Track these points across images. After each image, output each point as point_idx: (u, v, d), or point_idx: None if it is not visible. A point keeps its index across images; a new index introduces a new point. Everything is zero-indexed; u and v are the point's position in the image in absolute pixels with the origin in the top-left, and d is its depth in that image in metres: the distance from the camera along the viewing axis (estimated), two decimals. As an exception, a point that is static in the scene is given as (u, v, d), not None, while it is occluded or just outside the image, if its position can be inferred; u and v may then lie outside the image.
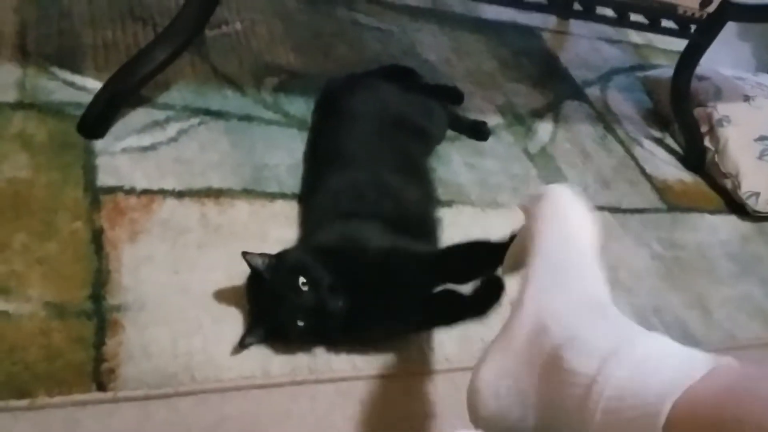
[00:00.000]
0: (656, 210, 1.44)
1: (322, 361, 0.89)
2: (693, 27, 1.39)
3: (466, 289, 0.93)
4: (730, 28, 1.55)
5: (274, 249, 0.90)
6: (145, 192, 0.99)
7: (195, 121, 1.13)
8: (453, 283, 0.93)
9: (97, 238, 0.90)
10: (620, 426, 0.47)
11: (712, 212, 1.50)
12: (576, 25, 1.92)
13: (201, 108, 1.16)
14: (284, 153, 1.15)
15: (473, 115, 1.41)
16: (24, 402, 0.72)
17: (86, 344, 0.79)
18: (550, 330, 0.56)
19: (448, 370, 0.93)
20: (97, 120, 1.04)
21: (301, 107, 1.25)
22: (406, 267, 0.91)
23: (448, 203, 1.19)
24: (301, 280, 0.84)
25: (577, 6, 1.31)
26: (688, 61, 1.50)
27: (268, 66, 1.32)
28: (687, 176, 1.58)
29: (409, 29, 1.62)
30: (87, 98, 1.04)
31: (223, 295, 0.90)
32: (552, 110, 1.58)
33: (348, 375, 0.88)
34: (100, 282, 0.86)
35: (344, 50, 1.46)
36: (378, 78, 1.30)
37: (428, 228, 1.05)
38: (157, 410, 0.76)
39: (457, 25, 1.72)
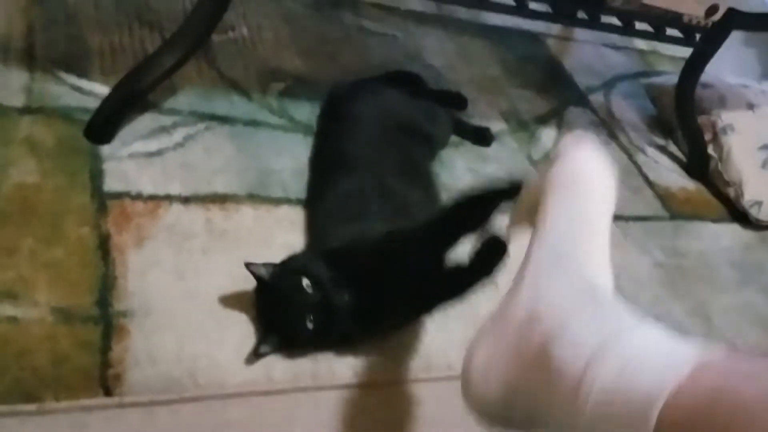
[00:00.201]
0: (659, 218, 1.44)
1: (325, 367, 0.89)
2: (698, 35, 1.40)
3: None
4: (735, 35, 1.55)
5: (279, 254, 0.91)
6: (152, 197, 1.00)
7: (201, 126, 1.14)
8: (460, 236, 0.90)
9: (104, 243, 0.91)
10: (609, 426, 0.47)
11: (714, 220, 1.51)
12: (580, 32, 1.93)
13: (207, 113, 1.17)
14: (289, 158, 1.16)
15: (477, 121, 1.42)
16: (32, 406, 0.73)
17: (93, 349, 0.80)
18: (542, 321, 0.56)
19: (451, 377, 0.93)
20: (104, 125, 1.04)
21: (307, 112, 1.26)
22: (404, 243, 0.91)
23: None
24: (305, 281, 0.84)
25: (581, 15, 1.31)
26: (693, 68, 1.50)
27: (274, 71, 1.33)
28: (690, 184, 1.58)
29: (414, 35, 1.63)
30: (94, 103, 1.05)
31: (228, 301, 0.91)
32: (556, 116, 1.58)
33: (351, 382, 0.89)
34: (106, 287, 0.86)
35: (350, 55, 1.47)
36: (383, 83, 1.31)
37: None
38: (161, 415, 0.77)
39: (462, 31, 1.72)
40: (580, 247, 0.61)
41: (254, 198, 1.07)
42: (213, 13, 1.05)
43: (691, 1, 1.30)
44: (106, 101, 1.04)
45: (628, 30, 1.35)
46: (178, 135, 1.11)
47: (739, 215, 1.53)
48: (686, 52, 1.51)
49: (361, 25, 1.58)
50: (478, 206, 0.88)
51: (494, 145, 1.40)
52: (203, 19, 1.04)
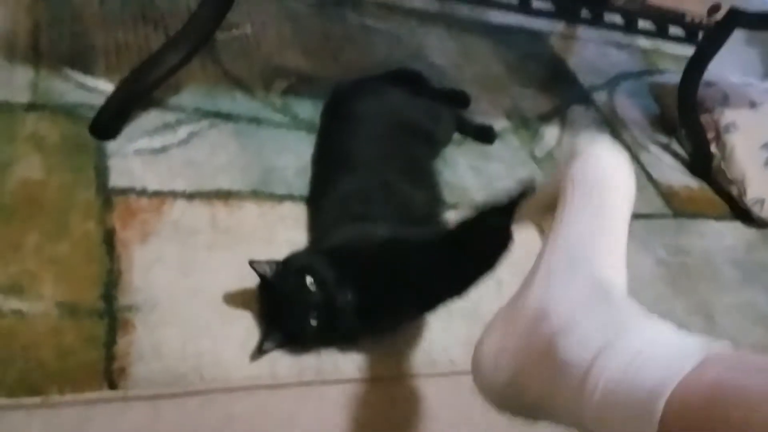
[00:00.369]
0: (662, 216, 1.44)
1: (329, 362, 0.90)
2: (700, 34, 1.40)
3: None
4: (738, 34, 1.55)
5: (282, 251, 0.92)
6: (157, 194, 1.00)
7: (205, 123, 1.15)
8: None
9: (109, 238, 0.92)
10: (615, 421, 0.47)
11: (717, 219, 1.51)
12: (584, 30, 1.92)
13: (211, 111, 1.17)
14: (292, 156, 1.16)
15: (480, 119, 1.42)
16: (36, 399, 0.73)
17: (98, 343, 0.80)
18: (551, 318, 0.56)
19: (453, 372, 0.93)
20: (109, 122, 1.05)
21: (310, 110, 1.26)
22: (407, 252, 0.90)
23: (454, 206, 1.20)
24: (308, 279, 0.85)
25: (585, 13, 1.31)
26: (696, 67, 1.50)
27: (277, 69, 1.33)
28: (693, 182, 1.59)
29: (417, 33, 1.63)
30: (99, 100, 1.06)
31: (231, 297, 0.92)
32: (559, 115, 1.59)
33: (354, 377, 0.89)
34: (111, 282, 0.87)
35: (353, 54, 1.47)
36: (386, 82, 1.31)
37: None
38: (166, 409, 0.78)
39: (464, 29, 1.73)
40: (595, 247, 0.60)
41: (258, 195, 1.07)
42: (217, 11, 1.05)
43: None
44: (111, 98, 1.05)
45: (631, 28, 1.35)
46: (183, 132, 1.11)
47: (742, 213, 1.53)
48: (689, 50, 1.52)
49: (364, 24, 1.58)
50: (492, 220, 0.81)
51: (497, 143, 1.40)
52: (207, 17, 1.05)
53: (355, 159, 1.09)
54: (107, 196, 0.97)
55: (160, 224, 0.97)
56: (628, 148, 1.59)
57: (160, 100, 1.14)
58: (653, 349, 0.48)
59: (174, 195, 1.01)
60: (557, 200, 0.64)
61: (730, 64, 1.86)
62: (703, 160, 1.59)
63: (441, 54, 1.60)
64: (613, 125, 1.64)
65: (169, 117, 1.13)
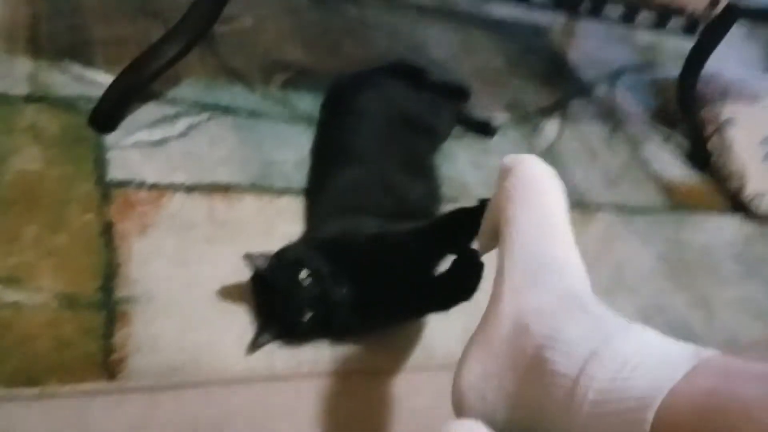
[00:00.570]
0: (662, 210, 1.44)
1: (326, 355, 0.90)
2: (700, 27, 1.39)
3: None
4: (738, 29, 1.55)
5: (280, 244, 0.91)
6: (155, 186, 1.00)
7: (204, 116, 1.14)
8: (447, 251, 0.90)
9: (107, 231, 0.92)
10: (605, 430, 0.47)
11: (717, 213, 1.50)
12: (584, 24, 1.92)
13: (210, 103, 1.17)
14: (292, 149, 1.16)
15: (480, 113, 1.42)
16: (35, 390, 0.73)
17: (96, 335, 0.80)
18: (531, 330, 0.55)
19: (451, 366, 0.93)
20: (108, 114, 1.05)
21: (309, 103, 1.26)
22: (393, 246, 0.90)
23: (453, 201, 1.20)
24: (303, 273, 0.85)
25: (585, 5, 1.31)
26: (695, 61, 1.50)
27: (276, 62, 1.33)
28: (693, 176, 1.58)
29: (417, 26, 1.63)
30: (98, 92, 1.05)
31: (229, 289, 0.91)
32: (559, 108, 1.58)
33: (352, 369, 0.89)
34: (109, 274, 0.87)
35: (352, 47, 1.47)
36: (385, 75, 1.30)
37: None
38: (164, 401, 0.78)
39: (464, 23, 1.72)
40: (550, 252, 0.60)
41: (257, 188, 1.07)
42: (216, 3, 1.05)
43: (694, -8, 1.30)
44: (110, 90, 1.05)
45: (630, 20, 1.35)
46: (182, 125, 1.11)
47: (741, 208, 1.53)
48: (689, 44, 1.51)
49: (364, 17, 1.58)
50: (463, 223, 0.85)
51: (497, 137, 1.40)
52: (206, 9, 1.05)
53: (354, 152, 1.09)
54: (106, 188, 0.97)
55: (159, 217, 0.96)
56: (628, 142, 1.59)
57: (158, 92, 1.13)
58: (641, 357, 0.48)
59: (173, 188, 1.01)
60: (503, 222, 0.64)
61: (731, 59, 1.85)
62: (702, 155, 1.59)
63: (441, 47, 1.59)
64: (613, 119, 1.64)
65: (168, 110, 1.12)
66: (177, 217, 0.98)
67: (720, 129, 1.58)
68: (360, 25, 1.55)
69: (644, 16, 1.38)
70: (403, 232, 0.92)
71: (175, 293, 0.89)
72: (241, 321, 0.89)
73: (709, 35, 1.41)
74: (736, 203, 1.54)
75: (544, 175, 0.67)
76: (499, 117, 1.45)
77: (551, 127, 1.51)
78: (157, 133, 1.08)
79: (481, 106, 1.45)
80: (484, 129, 1.39)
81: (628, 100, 1.73)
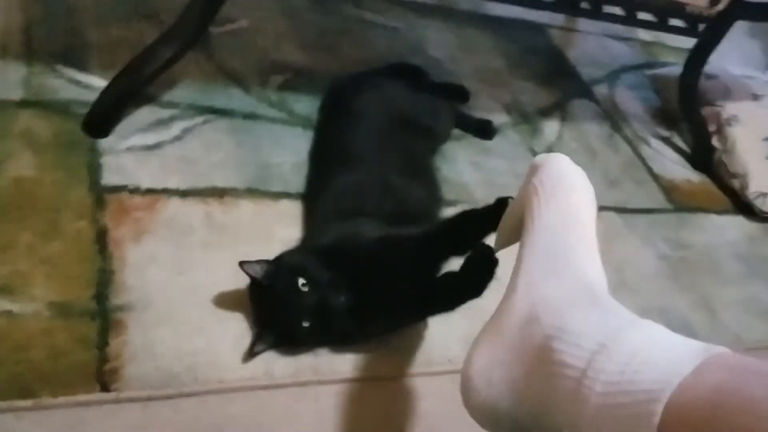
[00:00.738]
0: (663, 210, 1.43)
1: (325, 362, 0.89)
2: (701, 25, 1.38)
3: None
4: (740, 25, 1.54)
5: (278, 249, 0.91)
6: (150, 191, 0.99)
7: (200, 119, 1.13)
8: (452, 255, 0.90)
9: (102, 237, 0.90)
10: (614, 423, 0.46)
11: (719, 212, 1.49)
12: (584, 23, 1.91)
13: (206, 106, 1.16)
14: (289, 152, 1.15)
15: (479, 114, 1.41)
16: (27, 402, 0.72)
17: (90, 344, 0.79)
18: (541, 320, 0.56)
19: (451, 371, 0.92)
20: (102, 119, 1.04)
21: (307, 106, 1.25)
22: (398, 251, 0.90)
23: (453, 203, 1.18)
24: (301, 281, 0.83)
25: (584, 4, 1.30)
26: (697, 59, 1.48)
27: (273, 64, 1.32)
28: (694, 176, 1.57)
29: (415, 26, 1.62)
30: (92, 96, 1.04)
31: (226, 296, 0.90)
32: (559, 108, 1.57)
33: (351, 376, 0.88)
34: (104, 282, 0.86)
35: (350, 48, 1.46)
36: (384, 76, 1.29)
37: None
38: (160, 411, 0.77)
39: (464, 22, 1.71)
40: (571, 247, 0.61)
41: (253, 192, 1.06)
42: (211, 5, 1.04)
43: (695, -10, 1.29)
44: (104, 94, 1.03)
45: (631, 20, 1.34)
46: (177, 128, 1.10)
47: (744, 207, 1.52)
48: (690, 42, 1.50)
49: (362, 17, 1.57)
50: (472, 225, 0.86)
51: (497, 138, 1.39)
52: (201, 10, 1.04)
53: (353, 154, 1.08)
54: (100, 194, 0.96)
55: (154, 222, 0.95)
56: (629, 141, 1.57)
57: (153, 96, 1.12)
58: (650, 351, 0.47)
59: (168, 193, 1.00)
60: (528, 214, 0.64)
61: (732, 56, 1.84)
62: (704, 154, 1.58)
63: (440, 47, 1.58)
64: (613, 118, 1.63)
65: (163, 113, 1.11)
66: (172, 222, 0.97)
67: (722, 127, 1.56)
68: (358, 25, 1.54)
69: (645, 15, 1.36)
70: (408, 236, 0.91)
71: (171, 300, 0.87)
72: (238, 327, 0.88)
73: (709, 34, 1.40)
74: (739, 202, 1.52)
75: (573, 173, 0.67)
76: (499, 118, 1.44)
77: (551, 128, 1.50)
78: (151, 137, 1.07)
79: (480, 107, 1.44)
80: (484, 130, 1.38)
81: (629, 99, 1.72)
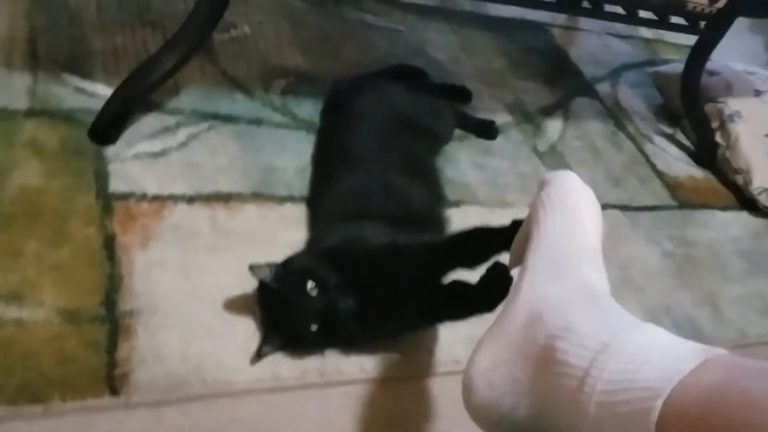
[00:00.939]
0: (667, 207, 1.43)
1: (332, 364, 0.89)
2: (702, 23, 1.38)
3: (475, 277, 0.90)
4: (742, 21, 1.54)
5: (283, 252, 0.91)
6: (156, 198, 1.00)
7: (204, 125, 1.14)
8: (459, 267, 0.91)
9: (110, 243, 0.91)
10: (614, 421, 0.47)
11: (723, 209, 1.49)
12: (586, 21, 1.92)
13: (210, 112, 1.17)
14: (292, 156, 1.16)
15: (482, 114, 1.41)
16: (38, 408, 0.73)
17: (99, 349, 0.80)
18: (545, 320, 0.57)
19: (458, 372, 0.92)
20: (108, 126, 1.05)
21: (310, 109, 1.26)
22: (406, 259, 0.90)
23: (456, 203, 1.19)
24: (309, 284, 0.84)
25: (585, 4, 1.30)
26: (698, 56, 1.49)
27: (276, 68, 1.33)
28: (698, 172, 1.57)
29: (417, 28, 1.62)
30: (98, 104, 1.05)
31: (233, 299, 0.91)
32: (562, 107, 1.58)
33: (357, 378, 0.89)
34: (112, 287, 0.87)
35: (352, 51, 1.47)
36: (385, 78, 1.30)
37: (436, 229, 1.05)
38: (168, 414, 0.78)
39: (465, 23, 1.72)
40: (575, 253, 0.62)
41: (258, 196, 1.07)
42: (213, 11, 1.05)
43: (695, -13, 1.29)
44: (109, 102, 1.04)
45: (631, 18, 1.34)
46: (182, 135, 1.11)
47: (747, 203, 1.52)
48: (692, 39, 1.50)
49: (363, 20, 1.58)
50: (483, 242, 0.87)
51: (499, 139, 1.39)
52: (203, 18, 1.05)
53: (355, 157, 1.09)
54: (107, 201, 0.97)
55: (161, 228, 0.96)
56: (632, 139, 1.58)
57: (158, 103, 1.13)
58: (651, 351, 0.49)
59: (174, 198, 1.01)
60: (534, 225, 0.67)
61: (734, 52, 1.84)
62: (707, 150, 1.58)
63: (441, 49, 1.59)
64: (616, 116, 1.63)
65: (168, 120, 1.12)
66: (179, 227, 0.98)
67: (724, 124, 1.56)
68: (359, 28, 1.55)
69: (646, 13, 1.37)
70: (418, 245, 0.93)
71: (178, 304, 0.88)
72: (245, 330, 0.89)
73: (710, 32, 1.40)
74: (743, 198, 1.53)
75: (580, 190, 0.69)
76: (501, 118, 1.44)
77: (554, 127, 1.50)
78: (157, 144, 1.08)
79: (482, 107, 1.44)
80: (486, 130, 1.39)
81: (631, 96, 1.72)
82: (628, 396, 0.46)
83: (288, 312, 0.85)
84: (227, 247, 0.97)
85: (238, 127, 1.17)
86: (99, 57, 1.18)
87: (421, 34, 1.61)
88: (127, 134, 1.07)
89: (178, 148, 1.09)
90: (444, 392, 0.91)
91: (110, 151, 1.04)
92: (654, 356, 0.48)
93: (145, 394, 0.78)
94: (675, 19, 1.38)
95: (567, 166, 1.40)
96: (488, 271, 0.87)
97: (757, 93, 1.60)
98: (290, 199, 1.08)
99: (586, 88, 1.68)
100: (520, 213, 0.76)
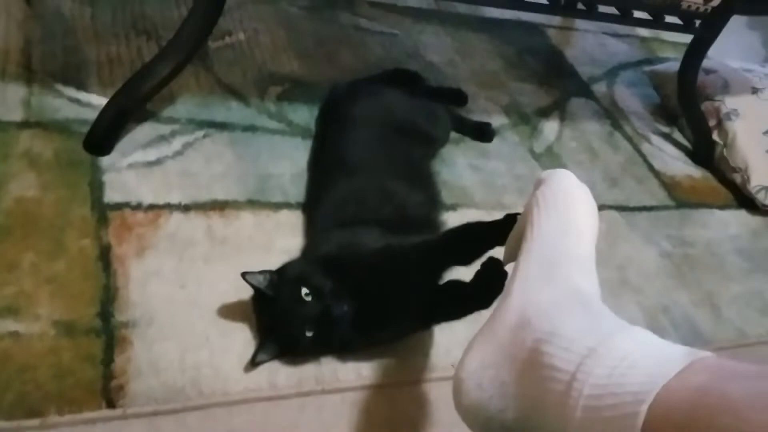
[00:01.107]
0: (665, 207, 1.43)
1: (329, 371, 0.90)
2: (697, 22, 1.38)
3: (469, 275, 0.90)
4: (739, 18, 1.54)
5: (279, 259, 0.92)
6: (152, 207, 1.00)
7: (200, 133, 1.15)
8: (454, 265, 0.91)
9: (105, 254, 0.92)
10: (600, 425, 0.47)
11: (721, 207, 1.49)
12: (581, 21, 1.92)
13: (206, 120, 1.17)
14: (288, 162, 1.16)
15: (478, 116, 1.41)
16: (35, 422, 0.73)
17: (95, 361, 0.80)
18: (533, 324, 0.57)
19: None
20: (103, 136, 1.05)
21: (305, 115, 1.26)
22: (401, 260, 0.90)
23: (453, 207, 1.20)
24: (304, 290, 0.84)
25: (579, 5, 1.30)
26: (694, 55, 1.48)
27: (271, 75, 1.33)
28: (696, 171, 1.57)
29: (412, 31, 1.63)
30: (92, 115, 1.06)
31: (229, 308, 0.91)
32: (558, 108, 1.58)
33: (354, 384, 0.89)
34: (108, 299, 0.87)
35: (348, 56, 1.47)
36: (381, 83, 1.30)
37: (432, 233, 1.05)
38: (165, 426, 0.78)
39: (460, 25, 1.72)
40: (566, 256, 0.62)
41: (254, 204, 1.07)
42: (207, 19, 1.05)
43: (689, -14, 1.29)
44: (104, 112, 1.05)
45: (626, 19, 1.34)
46: (177, 143, 1.11)
47: (746, 201, 1.52)
48: (688, 37, 1.49)
49: (359, 25, 1.58)
50: (476, 238, 0.87)
51: (495, 141, 1.39)
52: (197, 26, 1.05)
53: (351, 162, 1.09)
54: (102, 211, 0.97)
55: (156, 238, 0.96)
56: (629, 139, 1.58)
57: (153, 112, 1.14)
58: (637, 355, 0.49)
59: (170, 208, 1.01)
60: (528, 225, 0.66)
61: (732, 49, 1.84)
62: (705, 149, 1.58)
63: (437, 52, 1.59)
64: (613, 116, 1.63)
65: (163, 129, 1.13)
66: (175, 237, 0.98)
67: (722, 122, 1.56)
68: (355, 33, 1.55)
69: (640, 13, 1.37)
70: (411, 246, 0.92)
71: (174, 314, 0.88)
72: (242, 340, 0.89)
73: (706, 29, 1.40)
74: (741, 196, 1.52)
75: (576, 189, 0.69)
76: (498, 120, 1.44)
77: (550, 128, 1.50)
78: (152, 153, 1.08)
79: (479, 110, 1.45)
80: (482, 132, 1.39)
81: (628, 96, 1.72)
82: (614, 400, 0.47)
83: (283, 319, 0.85)
84: (223, 256, 0.98)
85: (233, 134, 1.17)
86: (94, 67, 1.18)
87: (416, 38, 1.61)
88: (122, 144, 1.07)
89: (173, 156, 1.09)
90: (442, 397, 0.91)
91: (105, 161, 1.04)
92: (640, 360, 0.48)
93: (141, 406, 0.78)
94: (670, 19, 1.38)
95: (564, 167, 1.36)
96: (483, 267, 0.86)
97: (755, 90, 1.60)
98: (286, 205, 1.09)
99: (583, 89, 1.68)
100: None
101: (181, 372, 0.83)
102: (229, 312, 0.91)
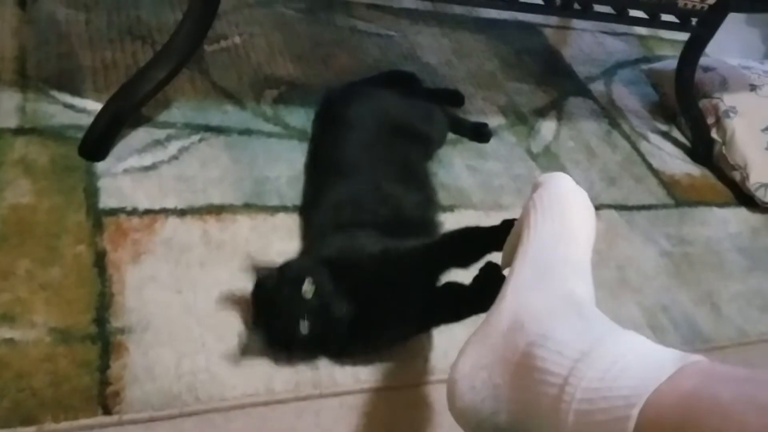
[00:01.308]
0: (664, 205, 1.42)
1: (326, 375, 0.89)
2: (694, 20, 1.38)
3: (468, 278, 0.90)
4: (738, 15, 1.53)
5: (275, 262, 0.91)
6: (147, 212, 1.00)
7: (195, 137, 1.14)
8: (452, 268, 0.91)
9: (100, 260, 0.91)
10: (592, 428, 0.48)
11: (720, 205, 1.49)
12: (578, 20, 1.91)
13: (201, 124, 1.17)
14: (285, 165, 1.16)
15: (475, 117, 1.41)
16: (31, 429, 0.73)
17: (91, 368, 0.80)
18: (525, 327, 0.57)
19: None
20: (98, 142, 1.05)
21: (302, 118, 1.26)
22: (399, 264, 0.90)
23: (450, 208, 1.19)
24: (306, 282, 0.83)
25: (575, 5, 1.30)
26: (692, 53, 1.48)
27: (267, 78, 1.33)
28: (695, 170, 1.57)
29: (408, 33, 1.62)
30: (87, 120, 1.05)
31: (226, 313, 0.91)
32: (555, 108, 1.57)
33: (352, 388, 0.89)
34: (103, 305, 0.87)
35: (344, 58, 1.46)
36: (377, 85, 1.30)
37: (429, 235, 1.05)
38: (162, 432, 0.77)
39: (457, 26, 1.71)
40: (561, 261, 0.62)
41: (250, 207, 1.06)
42: (201, 23, 1.05)
43: (686, -16, 1.29)
44: (99, 118, 1.04)
45: (622, 18, 1.33)
46: (173, 148, 1.11)
47: (745, 199, 1.51)
48: (686, 35, 1.49)
49: (355, 27, 1.57)
50: (474, 242, 0.87)
51: (493, 141, 1.39)
52: (192, 29, 1.04)
53: (348, 165, 1.08)
54: (98, 217, 0.96)
55: (152, 243, 0.96)
56: (627, 138, 1.57)
57: (149, 116, 1.13)
58: (629, 359, 0.49)
59: (165, 212, 1.01)
60: (525, 228, 0.67)
61: (731, 46, 1.84)
62: (704, 147, 1.57)
63: (434, 53, 1.59)
64: (611, 115, 1.62)
65: (159, 133, 1.12)
66: (171, 242, 0.98)
67: (720, 119, 1.56)
68: (351, 35, 1.55)
69: (636, 12, 1.36)
70: (409, 249, 0.92)
71: (170, 319, 0.88)
72: (238, 344, 0.88)
73: (703, 27, 1.40)
74: (741, 194, 1.52)
75: (573, 193, 0.69)
76: (495, 120, 1.44)
77: (548, 128, 1.50)
78: (148, 158, 1.08)
79: (476, 110, 1.44)
80: (479, 133, 1.38)
81: (626, 95, 1.72)
82: (606, 404, 0.47)
83: (280, 309, 0.84)
84: (219, 260, 0.97)
85: (229, 138, 1.17)
86: (88, 73, 1.18)
87: (413, 39, 1.61)
88: (118, 149, 1.07)
89: (169, 161, 1.09)
90: (440, 400, 0.90)
91: (101, 166, 1.04)
92: (632, 364, 0.48)
93: (137, 412, 0.78)
94: (666, 18, 1.37)
95: (562, 167, 1.40)
96: (481, 271, 0.87)
97: (753, 88, 1.60)
98: (283, 209, 1.08)
99: (580, 88, 1.68)
100: (515, 216, 0.75)
101: (177, 378, 0.83)
102: (225, 317, 0.91)
